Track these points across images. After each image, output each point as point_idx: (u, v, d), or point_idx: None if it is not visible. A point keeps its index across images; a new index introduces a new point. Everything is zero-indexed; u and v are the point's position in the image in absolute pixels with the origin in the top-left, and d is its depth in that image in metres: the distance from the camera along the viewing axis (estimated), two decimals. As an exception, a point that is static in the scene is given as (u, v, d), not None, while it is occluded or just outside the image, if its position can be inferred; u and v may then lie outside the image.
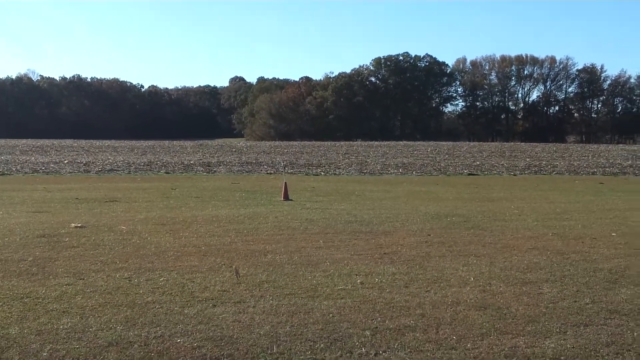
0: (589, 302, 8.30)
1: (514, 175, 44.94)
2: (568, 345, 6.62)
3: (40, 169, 44.74)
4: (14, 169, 43.85)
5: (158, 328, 7.04)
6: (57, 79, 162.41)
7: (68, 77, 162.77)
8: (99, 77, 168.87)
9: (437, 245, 12.69)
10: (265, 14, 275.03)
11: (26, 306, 7.89)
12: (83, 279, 9.40)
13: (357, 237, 13.55)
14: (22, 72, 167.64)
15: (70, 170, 43.74)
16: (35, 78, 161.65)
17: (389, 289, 8.91)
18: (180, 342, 6.62)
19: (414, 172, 45.99)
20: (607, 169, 51.21)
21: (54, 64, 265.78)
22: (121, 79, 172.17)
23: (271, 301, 8.17)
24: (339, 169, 48.89)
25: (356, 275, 9.78)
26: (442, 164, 54.01)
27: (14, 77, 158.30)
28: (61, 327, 7.06)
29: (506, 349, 6.53)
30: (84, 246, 12.18)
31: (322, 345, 6.55)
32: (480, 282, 9.40)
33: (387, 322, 7.34)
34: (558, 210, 19.52)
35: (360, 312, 7.74)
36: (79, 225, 14.95)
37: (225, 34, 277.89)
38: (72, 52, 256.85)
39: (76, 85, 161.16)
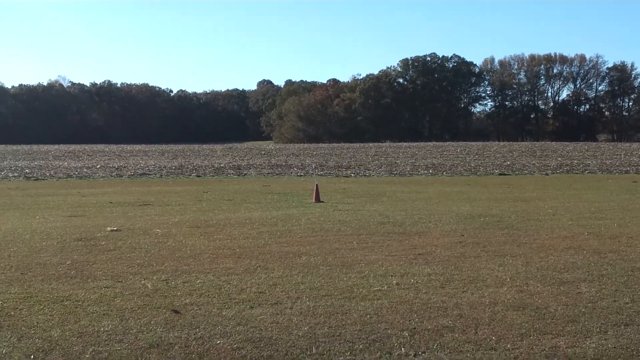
0: (629, 301, 8.22)
1: (546, 174, 44.53)
2: (609, 345, 6.56)
3: (73, 173, 45.32)
4: (47, 174, 44.46)
5: (197, 330, 7.11)
6: (88, 84, 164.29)
7: (98, 83, 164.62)
8: (128, 83, 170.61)
9: (471, 245, 12.63)
10: (292, 18, 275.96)
11: (67, 309, 8.00)
12: (121, 281, 9.52)
13: (391, 238, 13.54)
14: (53, 78, 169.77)
15: (103, 175, 44.25)
16: (66, 84, 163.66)
17: (425, 289, 8.89)
18: (220, 343, 6.67)
19: (444, 173, 45.77)
20: (640, 167, 50.52)
21: (85, 70, 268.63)
22: (151, 84, 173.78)
23: (308, 302, 8.20)
24: (368, 170, 48.85)
25: (391, 276, 9.78)
26: (472, 164, 53.68)
27: (45, 83, 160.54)
28: (102, 329, 7.15)
29: (546, 349, 6.48)
30: (121, 249, 12.33)
31: (361, 346, 6.56)
32: (517, 282, 9.35)
33: (425, 322, 7.33)
34: (592, 209, 19.31)
35: (398, 312, 7.73)
36: (115, 228, 15.14)
37: (252, 38, 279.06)
38: (102, 59, 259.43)
39: (106, 90, 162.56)
